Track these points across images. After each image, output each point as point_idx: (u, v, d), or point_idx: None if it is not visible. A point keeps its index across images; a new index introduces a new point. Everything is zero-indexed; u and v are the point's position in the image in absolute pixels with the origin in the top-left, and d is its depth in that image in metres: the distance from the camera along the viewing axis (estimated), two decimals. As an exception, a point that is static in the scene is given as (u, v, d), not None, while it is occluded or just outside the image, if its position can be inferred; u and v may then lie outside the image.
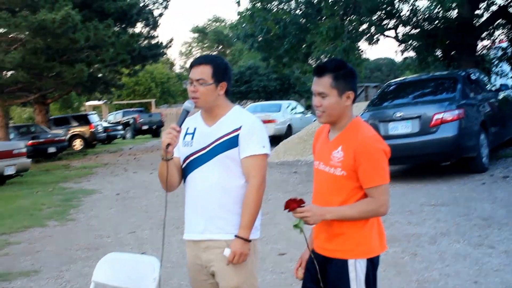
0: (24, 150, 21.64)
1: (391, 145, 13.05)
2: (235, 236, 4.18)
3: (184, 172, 4.36)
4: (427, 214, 10.54)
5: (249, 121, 4.25)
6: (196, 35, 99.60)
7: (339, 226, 3.82)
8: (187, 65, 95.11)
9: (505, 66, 25.65)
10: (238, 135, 4.19)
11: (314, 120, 28.78)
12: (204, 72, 4.20)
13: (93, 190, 18.05)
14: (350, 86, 3.84)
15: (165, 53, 41.50)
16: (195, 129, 4.35)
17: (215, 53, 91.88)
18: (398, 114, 13.73)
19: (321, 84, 3.80)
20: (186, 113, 4.21)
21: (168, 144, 4.04)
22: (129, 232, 11.23)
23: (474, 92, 15.00)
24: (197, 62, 4.27)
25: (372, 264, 3.87)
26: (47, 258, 9.87)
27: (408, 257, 8.20)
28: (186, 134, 4.36)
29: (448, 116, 13.38)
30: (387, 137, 13.43)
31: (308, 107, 46.83)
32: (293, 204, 3.77)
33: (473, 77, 15.77)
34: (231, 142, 4.19)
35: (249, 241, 4.20)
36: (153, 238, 10.53)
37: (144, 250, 9.75)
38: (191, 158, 4.29)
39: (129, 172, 22.28)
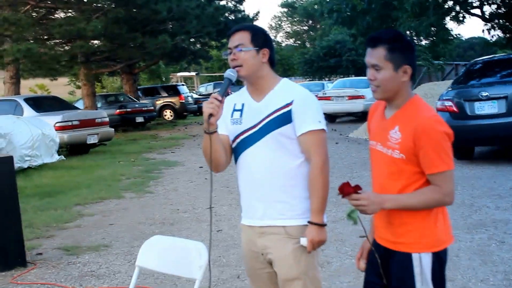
0: (107, 119, 21.48)
1: (477, 125, 12.41)
2: (309, 222, 3.81)
3: (235, 153, 3.99)
4: (516, 199, 9.76)
5: (302, 95, 3.87)
6: (285, 9, 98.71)
7: (399, 215, 3.47)
8: (278, 39, 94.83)
9: None
10: (290, 110, 3.80)
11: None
12: (242, 37, 3.84)
13: (176, 162, 17.62)
14: (408, 60, 3.47)
15: None
16: (243, 105, 3.96)
17: (305, 28, 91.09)
18: (484, 94, 12.94)
19: (375, 56, 3.45)
20: (229, 82, 3.81)
21: (211, 115, 3.64)
22: (207, 207, 10.55)
23: None
24: (234, 30, 3.92)
25: (439, 259, 3.48)
26: (120, 232, 9.37)
27: (495, 245, 7.59)
28: (234, 110, 3.98)
29: None
30: (473, 117, 13.09)
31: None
32: (348, 189, 3.31)
33: None
34: (284, 118, 3.80)
35: (325, 225, 3.83)
36: (231, 215, 9.88)
37: (220, 227, 9.16)
38: (242, 137, 3.91)
39: (215, 144, 21.61)
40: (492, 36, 25.85)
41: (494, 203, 9.72)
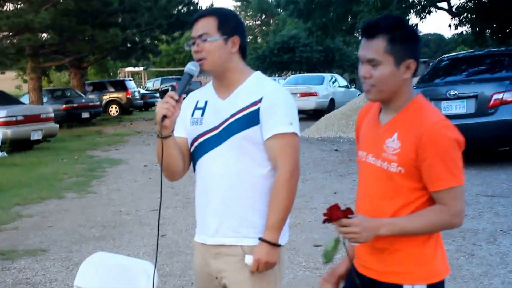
0: (52, 114, 20.94)
1: None
2: (260, 239, 3.29)
3: (193, 158, 3.47)
4: (484, 207, 9.38)
5: (272, 91, 3.33)
6: (238, 3, 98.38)
7: (392, 241, 2.89)
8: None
9: None
10: (258, 109, 3.28)
11: (359, 95, 27.83)
12: (207, 25, 3.31)
13: (120, 159, 17.21)
14: (411, 53, 2.88)
15: None
16: (206, 102, 3.45)
17: (258, 22, 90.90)
18: (452, 93, 12.53)
19: (372, 48, 2.85)
20: (189, 77, 3.28)
21: (164, 116, 3.14)
22: (151, 210, 10.27)
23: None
24: (197, 16, 3.38)
25: None
26: (58, 235, 8.97)
27: (464, 258, 7.13)
28: (195, 109, 3.46)
29: (509, 96, 12.17)
30: None
31: (352, 81, 45.86)
32: (337, 213, 2.74)
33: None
34: (250, 119, 3.28)
35: (278, 245, 3.31)
36: (176, 219, 9.55)
37: (164, 231, 8.80)
38: (201, 139, 3.39)
39: (162, 142, 21.27)
40: (460, 33, 25.69)
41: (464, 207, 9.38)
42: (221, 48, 3.28)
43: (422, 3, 22.37)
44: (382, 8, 20.27)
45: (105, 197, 11.74)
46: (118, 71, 62.28)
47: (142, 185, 12.79)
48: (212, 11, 3.35)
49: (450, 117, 11.87)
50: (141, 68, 54.76)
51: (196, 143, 3.40)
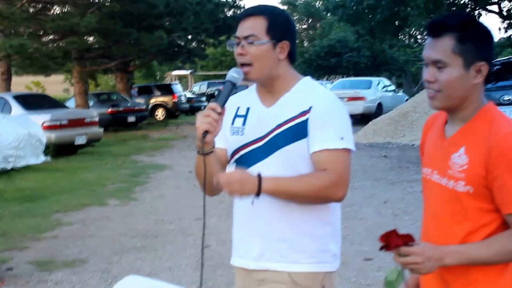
0: (96, 118, 20.79)
1: None
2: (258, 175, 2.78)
3: None
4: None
5: (324, 100, 2.93)
6: (285, 7, 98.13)
7: (464, 271, 2.49)
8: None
9: None
10: (307, 120, 2.88)
11: (407, 99, 27.32)
12: (256, 26, 2.91)
13: (164, 165, 16.94)
14: (483, 53, 2.51)
15: None
16: (247, 110, 3.06)
17: (304, 26, 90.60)
18: (507, 98, 12.00)
19: (438, 48, 2.50)
20: (232, 86, 2.89)
21: (206, 132, 2.76)
22: (195, 219, 9.90)
23: None
24: (246, 13, 2.99)
25: None
26: (98, 245, 8.68)
27: None
28: (235, 117, 3.07)
29: None
30: None
31: (399, 85, 45.24)
32: (396, 240, 2.39)
33: None
34: (298, 131, 2.89)
35: (260, 180, 2.75)
36: (220, 228, 9.15)
37: (208, 242, 8.43)
38: (243, 151, 3.00)
39: (207, 147, 21.01)
40: (510, 37, 25.05)
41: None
42: (268, 54, 2.91)
43: (472, 6, 21.83)
44: (433, 11, 19.78)
45: (148, 205, 11.44)
46: (165, 75, 62.34)
47: (186, 193, 12.46)
48: (263, 10, 2.95)
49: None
50: (188, 72, 54.76)
51: (237, 155, 3.03)
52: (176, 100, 38.16)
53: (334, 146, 2.84)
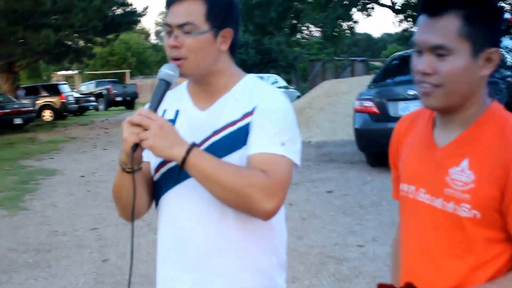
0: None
1: None
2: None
3: (157, 190, 2.50)
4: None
5: (269, 100, 2.38)
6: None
7: None
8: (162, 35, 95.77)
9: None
10: (249, 124, 2.35)
11: (298, 96, 27.26)
12: (193, 11, 2.32)
13: (54, 170, 16.06)
14: (495, 38, 1.97)
15: (140, 21, 40.87)
16: (176, 113, 2.48)
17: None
18: (411, 92, 11.86)
19: (439, 31, 1.93)
20: (166, 86, 2.31)
21: (136, 145, 2.20)
22: (90, 229, 9.30)
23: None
24: None
25: None
26: (-16, 263, 7.93)
27: None
28: None
29: None
30: (396, 119, 11.83)
31: (288, 82, 45.47)
32: None
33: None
34: (238, 138, 2.35)
35: (184, 160, 2.19)
36: (118, 239, 8.60)
37: (106, 255, 7.86)
38: (170, 164, 2.41)
39: (98, 149, 20.51)
40: (404, 30, 25.32)
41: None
42: (208, 44, 2.35)
43: (366, 1, 21.96)
44: (325, 5, 19.73)
45: (39, 215, 10.66)
46: (52, 75, 61.09)
47: (79, 200, 11.76)
48: None
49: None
50: (75, 72, 53.81)
51: (163, 169, 2.45)
52: (64, 101, 37.47)
53: (271, 151, 2.29)
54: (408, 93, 11.93)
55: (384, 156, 13.55)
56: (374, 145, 12.59)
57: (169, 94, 2.42)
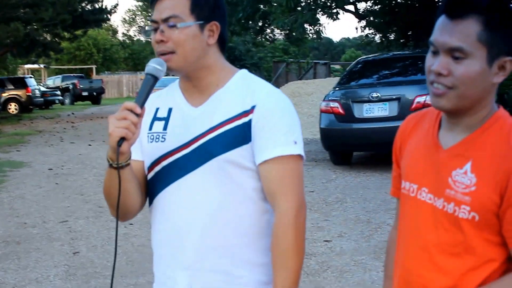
0: None
1: (366, 129, 11.59)
2: None
3: (152, 188, 2.48)
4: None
5: (269, 98, 2.37)
6: (140, 3, 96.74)
7: None
8: (131, 33, 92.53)
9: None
10: (250, 121, 2.32)
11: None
12: (177, 4, 2.33)
13: (22, 162, 15.98)
14: (510, 47, 2.02)
15: (109, 19, 40.65)
16: (170, 111, 2.47)
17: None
18: (375, 95, 12.17)
19: (459, 34, 1.98)
20: (153, 81, 2.29)
21: (122, 139, 2.18)
22: (60, 221, 9.34)
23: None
24: None
25: None
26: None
27: None
28: (154, 120, 2.48)
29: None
30: (360, 120, 12.36)
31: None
32: None
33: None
34: (238, 135, 2.33)
35: None
36: (89, 232, 8.67)
37: (77, 248, 7.94)
38: (165, 161, 2.41)
39: (66, 142, 20.38)
40: (366, 36, 25.67)
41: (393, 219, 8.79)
42: (195, 37, 2.34)
43: (333, 5, 22.18)
44: (294, 9, 19.90)
45: (7, 207, 10.65)
46: (18, 68, 60.73)
47: (48, 192, 11.76)
48: None
49: (373, 120, 11.59)
50: (42, 66, 53.53)
51: (157, 168, 2.43)
52: (30, 94, 37.23)
53: (288, 152, 2.31)
54: (372, 95, 12.21)
55: (341, 155, 13.68)
56: (338, 144, 12.98)
57: (161, 92, 2.50)
